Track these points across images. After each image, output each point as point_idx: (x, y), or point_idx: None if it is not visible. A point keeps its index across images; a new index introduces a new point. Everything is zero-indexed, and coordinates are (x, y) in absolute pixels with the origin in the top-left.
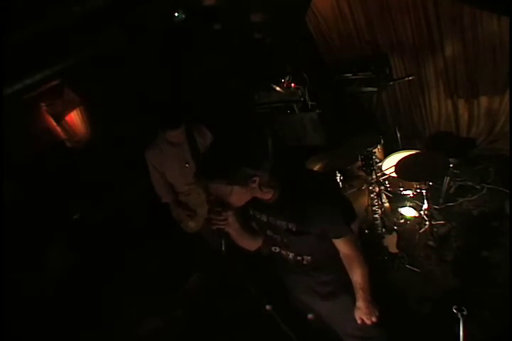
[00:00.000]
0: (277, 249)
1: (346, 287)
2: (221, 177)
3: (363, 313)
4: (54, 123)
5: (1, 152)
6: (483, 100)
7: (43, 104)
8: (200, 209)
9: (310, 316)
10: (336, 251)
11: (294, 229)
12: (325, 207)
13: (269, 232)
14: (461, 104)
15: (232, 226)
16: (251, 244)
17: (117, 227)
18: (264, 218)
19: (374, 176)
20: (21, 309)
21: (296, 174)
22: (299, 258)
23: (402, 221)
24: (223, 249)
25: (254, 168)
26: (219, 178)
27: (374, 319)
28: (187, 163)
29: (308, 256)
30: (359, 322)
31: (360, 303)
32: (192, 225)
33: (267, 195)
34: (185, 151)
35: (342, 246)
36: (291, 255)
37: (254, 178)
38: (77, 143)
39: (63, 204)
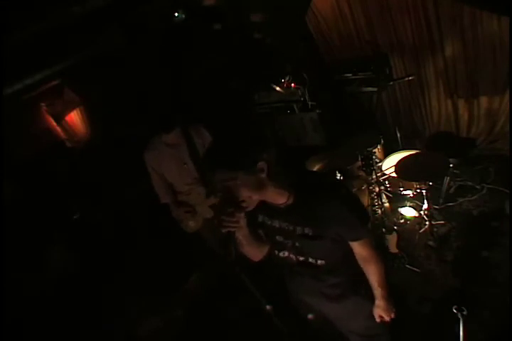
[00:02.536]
0: (286, 254)
1: (355, 288)
2: (225, 161)
3: (382, 310)
4: (54, 123)
5: (1, 152)
6: (483, 100)
7: (43, 104)
8: (200, 209)
9: (310, 316)
10: (348, 254)
11: (311, 234)
12: (342, 211)
13: (279, 238)
14: (461, 104)
15: (242, 231)
16: (256, 253)
17: (117, 227)
18: (276, 224)
19: (374, 176)
20: (21, 309)
21: (309, 178)
22: (311, 260)
23: (402, 221)
24: (233, 254)
25: (259, 152)
26: (223, 163)
27: (393, 315)
28: (185, 164)
29: (321, 259)
30: (378, 320)
31: (379, 301)
32: (192, 225)
33: (281, 199)
34: (182, 152)
35: (359, 248)
36: (301, 258)
37: (260, 164)
38: (77, 143)
39: (63, 204)
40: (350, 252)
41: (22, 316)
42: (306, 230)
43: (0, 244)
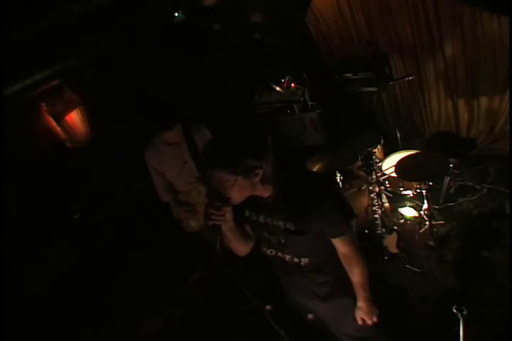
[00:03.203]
0: (273, 252)
1: (344, 288)
2: (227, 165)
3: (363, 313)
4: (54, 123)
5: (1, 152)
6: (483, 100)
7: (43, 104)
8: (200, 208)
9: (310, 316)
10: (333, 252)
11: (293, 229)
12: (324, 206)
13: (265, 234)
14: (461, 104)
15: (228, 224)
16: (242, 247)
17: (118, 227)
18: (261, 219)
19: (374, 176)
20: (21, 309)
21: (295, 172)
22: (296, 260)
23: (402, 221)
24: (218, 246)
25: (259, 160)
26: (225, 166)
27: (375, 319)
28: (186, 163)
29: (305, 257)
30: (360, 322)
31: (361, 303)
32: (192, 224)
33: (266, 192)
34: (183, 151)
35: (341, 245)
36: (287, 257)
37: (258, 171)
38: (77, 143)
39: (63, 205)
40: (335, 251)
41: (22, 316)
42: (288, 225)
43: (0, 244)
